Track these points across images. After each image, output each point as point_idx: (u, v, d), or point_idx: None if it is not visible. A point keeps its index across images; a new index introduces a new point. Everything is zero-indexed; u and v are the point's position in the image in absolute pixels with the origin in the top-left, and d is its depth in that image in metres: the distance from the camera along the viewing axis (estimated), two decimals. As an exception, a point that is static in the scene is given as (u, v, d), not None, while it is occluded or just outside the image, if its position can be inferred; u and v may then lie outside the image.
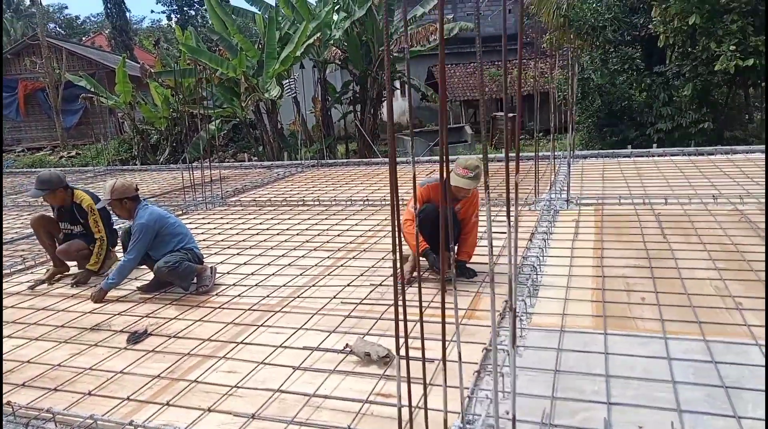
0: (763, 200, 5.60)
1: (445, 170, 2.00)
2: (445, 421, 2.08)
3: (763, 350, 2.87)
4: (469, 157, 4.08)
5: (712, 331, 3.12)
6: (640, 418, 2.43)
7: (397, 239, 2.13)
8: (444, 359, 2.11)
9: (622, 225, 5.34)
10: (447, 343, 3.20)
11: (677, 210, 5.69)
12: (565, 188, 6.36)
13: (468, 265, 4.30)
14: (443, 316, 2.29)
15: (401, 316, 2.06)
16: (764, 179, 6.30)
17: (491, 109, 21.56)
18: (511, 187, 1.98)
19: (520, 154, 10.60)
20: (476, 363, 2.94)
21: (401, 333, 2.11)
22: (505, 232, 5.37)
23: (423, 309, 2.50)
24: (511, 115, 19.30)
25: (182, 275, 4.34)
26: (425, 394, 2.31)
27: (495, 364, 1.99)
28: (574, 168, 8.32)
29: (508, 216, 2.02)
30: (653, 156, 9.19)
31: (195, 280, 4.47)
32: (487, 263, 4.48)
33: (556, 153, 7.59)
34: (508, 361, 2.56)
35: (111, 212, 5.23)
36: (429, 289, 4.09)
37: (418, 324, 2.58)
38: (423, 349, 2.23)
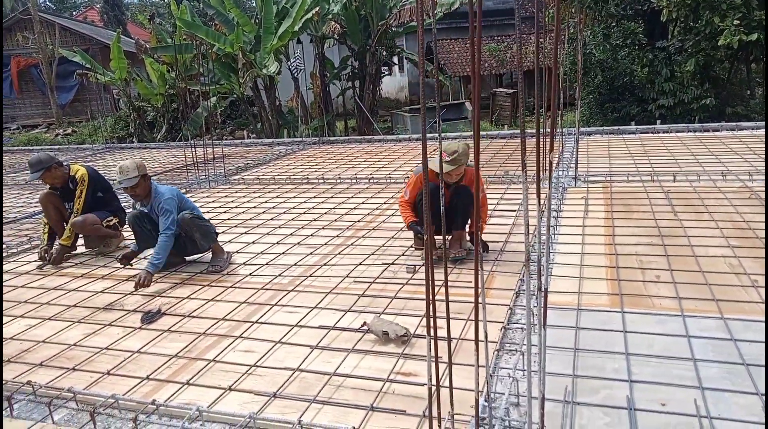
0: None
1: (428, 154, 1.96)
2: (477, 401, 2.08)
3: (781, 327, 2.89)
4: (451, 142, 4.08)
5: (729, 309, 3.14)
6: (662, 396, 2.45)
7: (424, 218, 2.10)
8: (476, 338, 2.10)
9: (632, 202, 5.33)
10: (464, 322, 3.22)
11: (686, 187, 5.68)
12: (573, 165, 6.33)
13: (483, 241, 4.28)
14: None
15: (431, 297, 2.04)
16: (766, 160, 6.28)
17: (491, 86, 21.39)
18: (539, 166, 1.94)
19: (517, 131, 10.46)
20: (495, 342, 2.94)
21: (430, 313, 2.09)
22: (513, 210, 5.36)
23: (439, 288, 2.47)
24: (511, 91, 19.16)
25: (204, 231, 4.37)
26: (450, 373, 2.31)
27: (530, 344, 1.98)
28: (580, 144, 8.28)
29: (539, 196, 1.99)
30: (658, 132, 9.15)
31: (210, 259, 4.49)
32: (501, 242, 4.49)
33: (559, 130, 7.53)
34: (529, 340, 2.56)
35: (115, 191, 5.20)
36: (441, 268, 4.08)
37: (439, 304, 2.59)
38: (449, 328, 2.22)
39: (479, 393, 2.27)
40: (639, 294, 3.42)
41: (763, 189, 5.38)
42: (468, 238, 4.29)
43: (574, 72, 12.79)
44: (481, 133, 10.28)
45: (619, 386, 2.53)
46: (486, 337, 2.24)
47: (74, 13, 48.11)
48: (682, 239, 4.26)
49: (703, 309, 3.17)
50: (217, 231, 4.68)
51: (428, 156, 2.07)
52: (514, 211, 5.33)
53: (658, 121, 10.56)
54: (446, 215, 3.80)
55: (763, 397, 2.36)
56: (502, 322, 3.16)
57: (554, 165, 6.63)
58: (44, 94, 23.88)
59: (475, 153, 1.95)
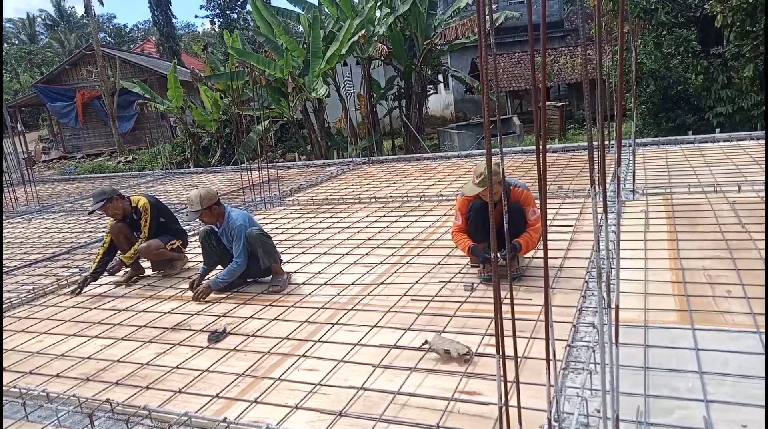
0: None
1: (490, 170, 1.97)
2: (549, 420, 2.06)
3: None
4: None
5: (809, 324, 2.99)
6: (741, 417, 2.35)
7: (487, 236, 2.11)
8: (547, 358, 2.08)
9: (695, 215, 5.15)
10: (528, 340, 3.19)
11: (753, 197, 5.45)
12: (630, 178, 6.19)
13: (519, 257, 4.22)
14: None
15: (499, 315, 2.05)
16: None
17: (539, 99, 21.16)
18: (602, 180, 1.93)
19: (570, 144, 10.42)
20: (560, 360, 2.90)
21: (499, 332, 2.09)
22: (570, 225, 5.28)
23: (503, 306, 2.44)
24: (559, 104, 18.90)
25: (268, 249, 4.48)
26: (518, 392, 2.30)
27: (603, 362, 1.95)
28: (636, 156, 8.08)
29: (605, 209, 1.97)
30: (718, 141, 8.83)
31: (270, 279, 4.62)
32: (559, 258, 4.42)
33: (614, 141, 7.37)
34: (603, 358, 2.52)
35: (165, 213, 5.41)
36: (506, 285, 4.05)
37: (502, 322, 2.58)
38: (515, 347, 2.22)
39: (549, 413, 2.25)
40: (709, 310, 3.30)
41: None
42: (526, 256, 4.25)
43: (626, 82, 12.54)
44: (531, 148, 10.16)
45: (695, 406, 2.45)
46: (555, 354, 2.22)
47: (132, 46, 50.74)
48: (753, 252, 4.09)
49: (780, 325, 3.02)
50: (281, 256, 4.80)
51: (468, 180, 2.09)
52: (571, 226, 5.24)
53: (717, 130, 10.19)
54: (498, 233, 3.80)
55: None
56: (566, 340, 3.10)
57: (610, 178, 6.49)
58: (106, 124, 25.17)
59: (539, 172, 1.96)
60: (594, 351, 2.94)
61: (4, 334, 4.27)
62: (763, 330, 2.99)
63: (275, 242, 5.65)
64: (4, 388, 3.30)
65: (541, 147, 1.84)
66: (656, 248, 4.41)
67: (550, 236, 4.99)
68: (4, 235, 8.40)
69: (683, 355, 2.85)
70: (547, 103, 19.55)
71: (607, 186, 4.69)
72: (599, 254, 1.80)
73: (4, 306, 4.89)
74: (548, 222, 5.42)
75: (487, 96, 1.87)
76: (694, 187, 5.98)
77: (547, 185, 6.86)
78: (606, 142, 7.23)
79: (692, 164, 7.32)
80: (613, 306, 2.02)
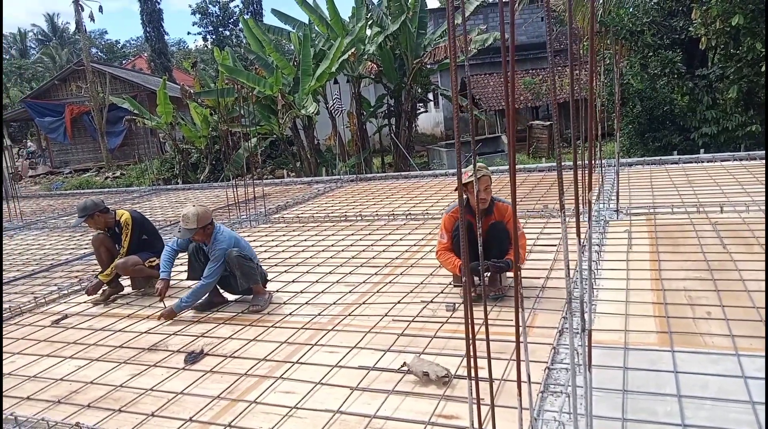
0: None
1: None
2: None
3: None
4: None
5: (788, 347, 2.98)
6: (719, 442, 2.32)
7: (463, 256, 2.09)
8: (518, 379, 2.05)
9: (678, 235, 5.17)
10: (507, 362, 3.15)
11: (735, 218, 5.48)
12: (614, 198, 6.21)
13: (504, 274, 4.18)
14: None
15: (472, 336, 2.02)
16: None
17: (527, 118, 21.35)
18: (570, 201, 1.92)
19: (556, 163, 10.47)
20: (539, 383, 2.86)
21: (470, 353, 2.06)
22: (554, 245, 5.27)
23: (479, 327, 2.39)
24: (548, 123, 19.06)
25: (246, 272, 4.42)
26: (493, 417, 2.26)
27: (574, 385, 1.92)
28: (621, 176, 8.14)
29: (578, 231, 1.96)
30: (702, 162, 8.92)
31: (251, 298, 4.56)
32: (542, 278, 4.40)
33: (599, 161, 7.43)
34: (574, 382, 2.48)
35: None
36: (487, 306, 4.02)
37: (480, 343, 2.55)
38: (490, 369, 2.18)
39: (524, 438, 2.21)
40: (690, 332, 3.28)
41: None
42: (508, 275, 4.22)
43: (611, 103, 12.67)
44: (518, 166, 10.22)
45: (673, 431, 2.42)
46: (529, 378, 2.18)
47: (124, 62, 50.76)
48: (733, 273, 4.10)
49: (758, 347, 3.01)
50: (267, 277, 4.75)
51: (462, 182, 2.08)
52: (555, 246, 5.24)
53: (702, 150, 10.30)
54: (484, 249, 3.79)
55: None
56: (546, 362, 3.07)
57: (594, 198, 6.52)
58: (95, 140, 25.06)
59: (511, 189, 1.95)
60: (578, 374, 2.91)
61: (-23, 354, 4.17)
62: (743, 352, 2.98)
63: (260, 260, 5.63)
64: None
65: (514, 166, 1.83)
66: (638, 269, 4.41)
67: (533, 256, 5.00)
68: (-16, 251, 8.27)
69: (663, 378, 2.83)
70: (536, 122, 19.74)
71: (583, 207, 4.69)
72: (569, 279, 1.78)
73: (-22, 325, 4.79)
74: (532, 241, 5.42)
75: (458, 115, 1.86)
76: (678, 208, 6.01)
77: (534, 205, 6.89)
78: (596, 162, 7.28)
79: (676, 184, 7.37)
80: (587, 330, 2.00)
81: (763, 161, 8.41)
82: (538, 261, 4.85)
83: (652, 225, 5.60)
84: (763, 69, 10.50)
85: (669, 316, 3.50)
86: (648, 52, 13.43)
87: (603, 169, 7.86)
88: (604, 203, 6.47)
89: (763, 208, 5.69)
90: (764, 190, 6.41)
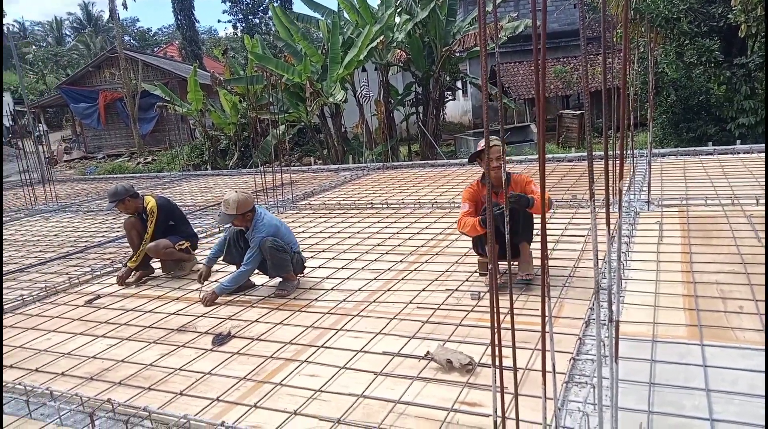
0: None
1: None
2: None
3: None
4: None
5: (823, 343, 2.89)
6: (748, 437, 2.28)
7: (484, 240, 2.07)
8: (543, 370, 2.04)
9: (711, 228, 5.05)
10: (531, 351, 3.14)
11: (771, 211, 5.32)
12: (646, 189, 6.09)
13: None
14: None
15: (497, 324, 2.01)
16: None
17: (557, 107, 21.02)
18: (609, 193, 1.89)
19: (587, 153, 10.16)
20: (564, 373, 2.84)
21: (495, 342, 2.05)
22: (582, 236, 5.21)
23: (505, 316, 2.37)
24: (578, 112, 18.72)
25: (277, 262, 4.47)
26: (516, 405, 2.25)
27: (600, 376, 1.90)
28: (653, 166, 7.97)
29: (608, 220, 1.93)
30: (738, 153, 8.66)
31: (278, 283, 4.64)
32: (570, 268, 4.36)
33: (631, 151, 7.28)
34: (599, 373, 2.46)
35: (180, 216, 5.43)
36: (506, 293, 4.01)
37: (505, 332, 2.54)
38: (514, 358, 2.17)
39: (547, 427, 2.20)
40: (720, 326, 3.21)
41: None
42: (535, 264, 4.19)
43: (645, 92, 12.38)
44: (548, 155, 10.09)
45: (700, 425, 2.38)
46: (554, 368, 2.17)
47: (155, 49, 51.51)
48: (768, 267, 3.99)
49: (793, 343, 2.94)
50: (304, 264, 4.79)
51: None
52: (583, 236, 5.17)
53: (738, 141, 10.00)
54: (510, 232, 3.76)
55: None
56: (571, 353, 3.05)
57: (625, 188, 6.40)
58: (127, 126, 25.52)
59: (540, 176, 1.92)
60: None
61: (14, 332, 4.33)
62: (776, 348, 2.90)
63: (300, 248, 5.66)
64: (9, 384, 3.34)
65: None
66: (669, 261, 4.32)
67: (561, 246, 4.95)
68: (22, 232, 8.54)
69: (691, 372, 2.78)
70: (566, 111, 19.42)
71: (614, 197, 4.62)
72: (598, 269, 1.75)
73: (16, 303, 4.96)
74: (560, 232, 5.36)
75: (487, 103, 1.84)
76: (711, 200, 5.87)
77: (562, 194, 6.80)
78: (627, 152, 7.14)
79: (710, 176, 7.19)
80: (614, 321, 1.97)
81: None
82: (565, 250, 4.79)
83: (684, 217, 5.48)
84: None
85: (699, 309, 3.43)
86: (684, 39, 13.04)
87: (634, 159, 7.71)
88: (635, 194, 6.35)
89: (802, 201, 5.52)
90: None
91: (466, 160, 11.47)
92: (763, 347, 2.93)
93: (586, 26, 2.01)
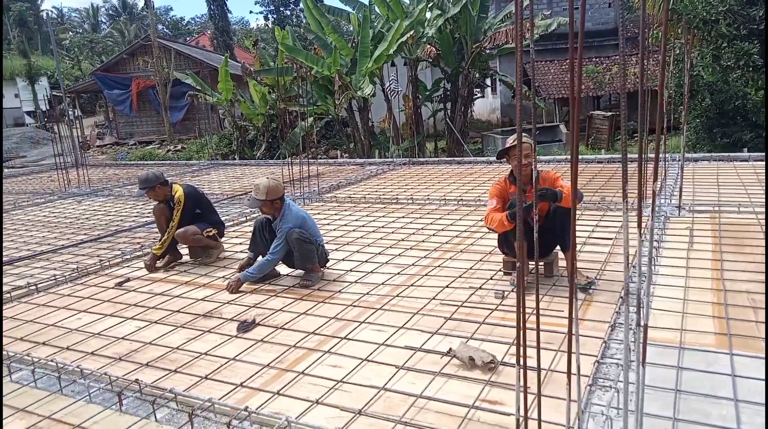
0: None
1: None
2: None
3: None
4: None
5: None
6: (776, 450, 2.24)
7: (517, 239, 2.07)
8: (569, 371, 2.03)
9: (744, 235, 4.94)
10: (555, 353, 3.12)
11: (807, 221, 5.19)
12: (677, 193, 5.98)
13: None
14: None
15: (523, 324, 2.01)
16: None
17: (588, 108, 20.72)
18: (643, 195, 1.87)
19: (617, 155, 10.04)
20: (587, 376, 2.82)
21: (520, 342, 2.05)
22: (609, 238, 5.15)
23: (529, 316, 2.38)
24: (609, 113, 18.44)
25: (304, 254, 4.51)
26: (539, 405, 2.25)
27: (626, 381, 1.89)
28: (685, 171, 7.82)
29: (639, 222, 1.91)
30: (775, 160, 8.43)
31: (303, 273, 4.68)
32: (596, 270, 4.31)
33: (662, 155, 7.15)
34: (626, 377, 2.43)
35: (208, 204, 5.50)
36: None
37: (529, 332, 2.53)
38: (538, 358, 2.17)
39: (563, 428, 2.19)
40: (750, 335, 3.15)
41: None
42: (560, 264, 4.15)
43: (679, 95, 12.13)
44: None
45: (726, 435, 2.35)
46: (579, 370, 2.16)
47: (188, 38, 52.16)
48: (803, 278, 3.89)
49: (827, 357, 2.87)
50: (328, 257, 4.83)
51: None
52: (611, 239, 5.11)
53: (776, 148, 9.74)
54: (542, 231, 3.72)
55: None
56: (596, 356, 3.02)
57: (656, 192, 6.30)
58: (158, 113, 25.98)
59: (572, 177, 1.91)
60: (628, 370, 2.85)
61: (47, 310, 4.46)
62: (808, 361, 2.84)
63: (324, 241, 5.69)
64: (42, 361, 3.45)
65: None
66: (699, 267, 4.25)
67: (587, 248, 4.90)
68: (55, 214, 8.76)
69: (718, 381, 2.74)
70: (596, 112, 19.14)
71: (645, 200, 4.52)
72: (627, 271, 1.74)
73: (49, 283, 5.10)
74: (587, 234, 5.30)
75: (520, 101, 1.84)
76: (745, 207, 5.73)
77: (591, 196, 6.72)
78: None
79: (744, 183, 7.02)
80: (642, 324, 1.95)
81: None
82: (592, 253, 4.74)
83: (716, 223, 5.37)
84: None
85: (729, 317, 3.37)
86: (722, 42, 12.72)
87: (666, 163, 7.57)
88: (665, 199, 6.24)
89: (841, 212, 5.36)
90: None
91: (493, 158, 11.42)
92: (795, 359, 2.86)
93: (624, 26, 1.98)
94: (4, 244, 6.89)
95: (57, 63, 21.53)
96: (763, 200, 5.98)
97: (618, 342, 3.22)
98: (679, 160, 6.35)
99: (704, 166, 8.58)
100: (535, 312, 3.50)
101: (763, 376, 2.74)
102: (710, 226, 5.32)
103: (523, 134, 3.72)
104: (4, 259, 6.06)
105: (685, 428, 2.41)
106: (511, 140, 4.05)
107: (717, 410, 2.52)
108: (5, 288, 4.97)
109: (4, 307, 4.59)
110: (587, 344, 3.17)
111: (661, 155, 6.42)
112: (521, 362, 2.02)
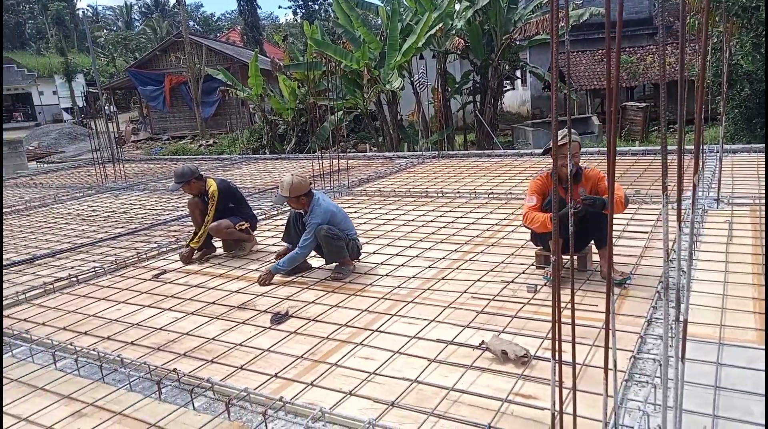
0: None
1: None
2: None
3: None
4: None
5: None
6: (821, 449, 2.18)
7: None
8: (605, 366, 2.01)
9: (786, 229, 4.79)
10: (589, 347, 3.08)
11: None
12: (715, 186, 5.83)
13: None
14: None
15: (558, 318, 1.99)
16: None
17: (621, 99, 20.28)
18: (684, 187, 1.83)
19: (652, 147, 9.92)
20: (623, 371, 2.79)
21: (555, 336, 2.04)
22: (645, 232, 5.05)
23: (563, 310, 2.36)
24: (643, 104, 18.02)
25: (332, 250, 4.56)
26: (574, 400, 2.23)
27: (665, 376, 1.86)
28: (723, 163, 7.61)
29: (679, 215, 1.87)
30: (819, 151, 8.13)
31: (334, 266, 4.72)
32: (631, 265, 4.24)
33: (701, 146, 6.96)
34: (665, 373, 2.40)
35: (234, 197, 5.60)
36: (569, 287, 3.94)
37: (564, 326, 2.51)
38: (573, 352, 2.15)
39: (606, 424, 2.17)
40: (794, 332, 3.06)
41: None
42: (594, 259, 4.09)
43: (717, 84, 11.78)
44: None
45: (769, 433, 2.29)
46: (615, 365, 2.13)
47: (218, 34, 52.81)
48: None
49: None
50: (360, 251, 4.86)
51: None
52: (646, 233, 5.01)
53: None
54: (578, 229, 3.67)
55: None
56: (632, 351, 2.98)
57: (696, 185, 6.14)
58: (191, 109, 26.38)
59: (609, 170, 1.88)
60: (660, 364, 2.81)
61: (88, 301, 4.60)
62: None
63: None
64: (84, 350, 3.56)
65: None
66: (738, 262, 4.14)
67: (622, 242, 4.82)
68: (93, 208, 9.01)
69: (760, 378, 2.67)
70: (630, 103, 18.73)
71: (687, 192, 4.43)
72: (667, 265, 1.71)
73: (89, 275, 5.25)
74: (621, 228, 5.22)
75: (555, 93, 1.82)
76: (788, 200, 5.55)
77: (625, 189, 6.59)
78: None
79: (787, 174, 6.79)
80: (681, 319, 1.92)
81: None
82: (627, 247, 4.66)
83: (756, 217, 5.22)
84: None
85: (771, 313, 3.28)
86: (762, 30, 12.29)
87: (704, 154, 7.38)
88: (703, 191, 6.09)
89: None
90: None
91: (525, 151, 11.28)
92: (841, 357, 2.77)
93: (664, 15, 1.94)
94: (48, 237, 7.13)
95: (93, 60, 22.02)
96: (807, 193, 5.78)
97: (654, 337, 3.16)
98: (717, 152, 6.18)
99: (743, 157, 8.34)
100: (569, 306, 3.47)
101: (808, 374, 2.66)
102: (750, 219, 5.18)
103: (573, 132, 3.67)
104: (47, 251, 6.27)
105: (725, 425, 2.37)
106: (560, 137, 3.84)
107: (760, 408, 2.46)
108: (48, 279, 5.15)
109: (47, 298, 4.75)
110: (623, 339, 3.13)
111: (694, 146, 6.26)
112: (556, 356, 2.00)
